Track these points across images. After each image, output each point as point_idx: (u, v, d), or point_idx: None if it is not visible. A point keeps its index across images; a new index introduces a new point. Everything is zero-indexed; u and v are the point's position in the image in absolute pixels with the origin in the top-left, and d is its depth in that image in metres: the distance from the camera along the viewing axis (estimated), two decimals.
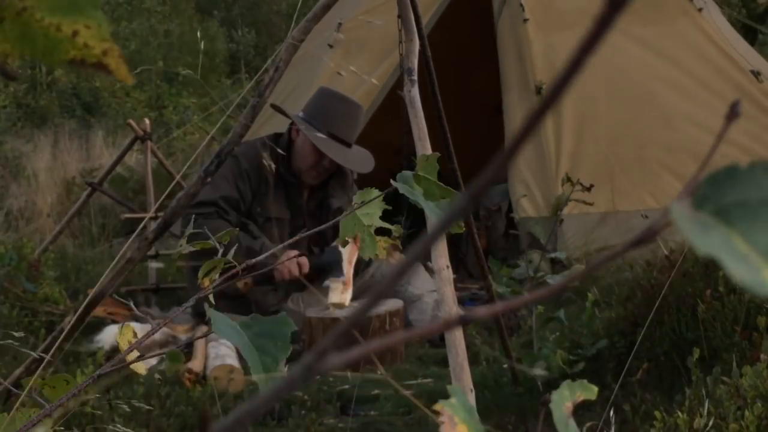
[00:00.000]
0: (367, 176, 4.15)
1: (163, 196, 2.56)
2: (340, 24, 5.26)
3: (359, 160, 3.92)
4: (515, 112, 4.94)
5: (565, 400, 0.65)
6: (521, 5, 4.98)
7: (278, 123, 4.59)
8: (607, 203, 4.59)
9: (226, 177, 3.84)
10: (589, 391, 0.67)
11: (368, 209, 1.17)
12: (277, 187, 3.95)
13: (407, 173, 1.11)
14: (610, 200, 4.62)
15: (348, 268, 3.65)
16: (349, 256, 3.71)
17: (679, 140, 4.75)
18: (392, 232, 1.22)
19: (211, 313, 0.90)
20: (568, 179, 3.71)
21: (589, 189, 3.69)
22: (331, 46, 5.29)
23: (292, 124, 3.98)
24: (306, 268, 3.81)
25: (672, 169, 4.74)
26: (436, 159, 1.14)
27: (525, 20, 4.95)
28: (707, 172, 0.42)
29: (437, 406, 0.60)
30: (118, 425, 2.53)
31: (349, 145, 3.90)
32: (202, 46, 10.82)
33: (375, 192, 1.16)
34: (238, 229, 1.30)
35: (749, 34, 7.68)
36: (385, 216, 1.18)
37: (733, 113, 0.42)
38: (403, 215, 5.29)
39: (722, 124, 0.42)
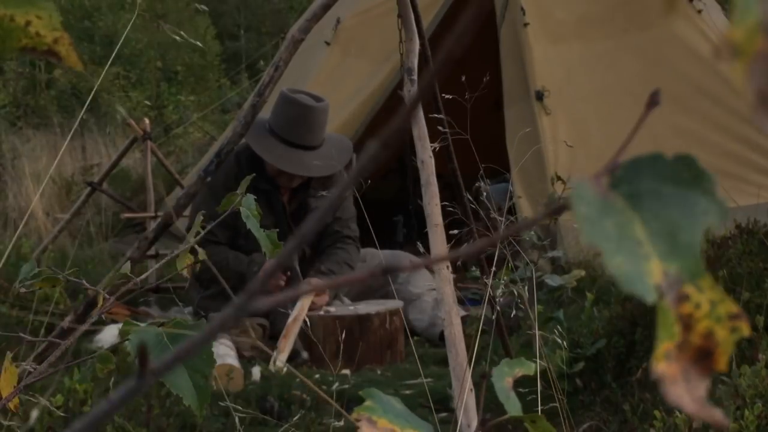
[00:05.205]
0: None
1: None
2: (338, 21, 5.24)
3: (322, 162, 3.79)
4: (515, 116, 4.92)
5: (505, 375, 0.73)
6: (522, 9, 4.96)
7: None
8: None
9: (207, 201, 3.79)
10: (527, 368, 0.75)
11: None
12: (256, 194, 3.87)
13: None
14: None
15: (292, 325, 3.61)
16: (297, 313, 3.68)
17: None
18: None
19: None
20: (559, 178, 3.70)
21: None
22: (328, 44, 5.26)
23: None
24: (280, 277, 3.77)
25: None
26: None
27: (525, 24, 4.93)
28: (631, 157, 0.41)
29: (354, 415, 0.65)
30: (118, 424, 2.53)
31: (311, 148, 3.79)
32: (200, 45, 10.81)
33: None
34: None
35: None
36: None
37: (653, 102, 0.42)
38: (402, 215, 5.29)
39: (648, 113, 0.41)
